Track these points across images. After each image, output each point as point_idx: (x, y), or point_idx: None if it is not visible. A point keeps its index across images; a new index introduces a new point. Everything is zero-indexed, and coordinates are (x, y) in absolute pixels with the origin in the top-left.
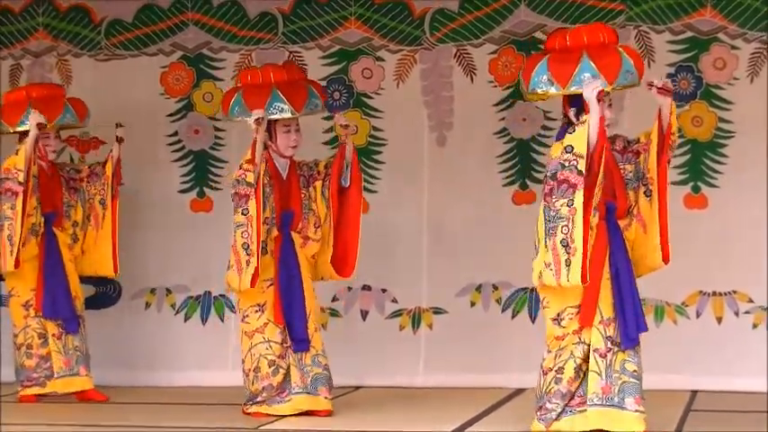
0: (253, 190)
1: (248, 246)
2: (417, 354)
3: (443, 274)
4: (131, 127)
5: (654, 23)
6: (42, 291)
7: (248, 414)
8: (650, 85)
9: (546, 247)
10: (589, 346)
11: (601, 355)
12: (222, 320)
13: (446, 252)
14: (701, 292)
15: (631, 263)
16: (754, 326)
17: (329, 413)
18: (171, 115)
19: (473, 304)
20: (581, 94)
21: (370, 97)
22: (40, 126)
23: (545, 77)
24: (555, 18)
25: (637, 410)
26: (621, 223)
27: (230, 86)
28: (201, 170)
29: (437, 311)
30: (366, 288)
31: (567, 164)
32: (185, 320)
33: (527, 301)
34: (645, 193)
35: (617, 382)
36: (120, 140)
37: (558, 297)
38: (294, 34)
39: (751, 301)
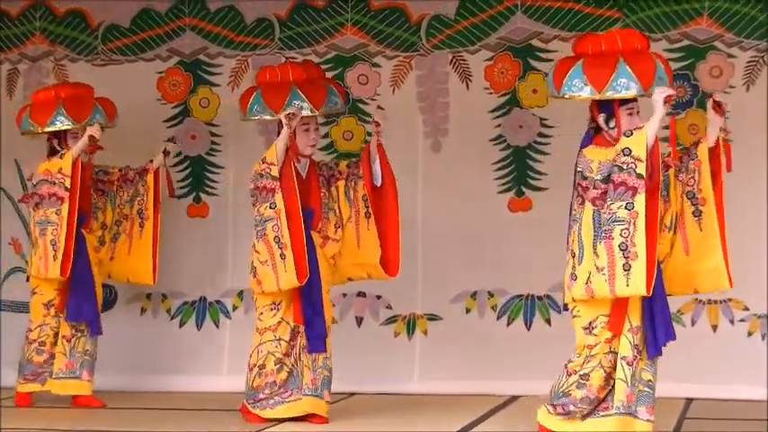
0: (278, 184)
1: (279, 239)
2: (412, 360)
3: (438, 281)
4: (128, 132)
5: (650, 32)
6: (69, 293)
7: (248, 413)
8: (709, 96)
9: (596, 252)
10: (616, 354)
11: (628, 363)
12: (217, 326)
13: (441, 258)
14: (696, 299)
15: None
16: (750, 334)
17: (325, 421)
18: (167, 120)
19: (468, 311)
20: (611, 100)
21: (366, 103)
22: (92, 139)
23: (579, 81)
24: (551, 25)
25: (648, 420)
26: None
27: (226, 92)
28: (198, 175)
29: (432, 318)
30: (361, 294)
31: (624, 166)
32: (180, 326)
33: (522, 308)
34: (693, 213)
35: (635, 391)
36: (166, 154)
37: (590, 306)
38: (291, 40)
39: (746, 309)
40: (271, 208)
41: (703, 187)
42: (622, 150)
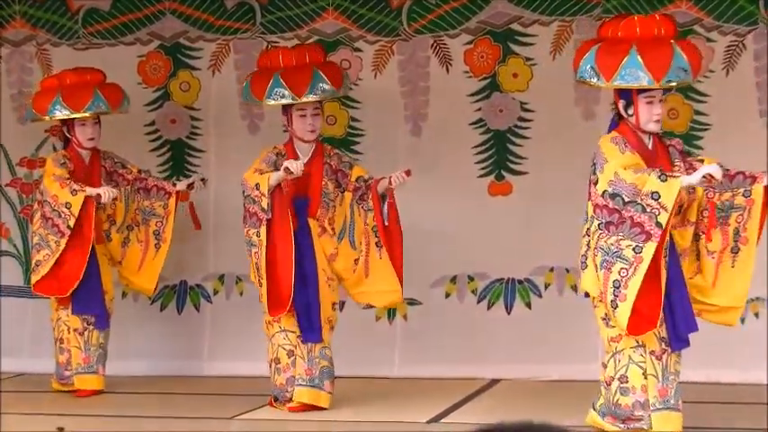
0: (265, 216)
1: (258, 268)
2: (393, 344)
3: (418, 265)
4: (108, 116)
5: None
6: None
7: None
8: None
9: (597, 273)
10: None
11: (657, 358)
12: (198, 310)
13: (421, 243)
14: None
15: (680, 262)
16: None
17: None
18: (148, 105)
19: (448, 295)
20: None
21: (349, 88)
22: (97, 198)
23: (590, 68)
24: (532, 9)
25: (680, 411)
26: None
27: (207, 76)
28: (178, 159)
29: (412, 303)
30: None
31: (648, 209)
32: (161, 310)
33: (503, 292)
34: (732, 249)
35: (672, 384)
36: (190, 188)
37: None
38: (272, 24)
39: None
40: (257, 236)
41: (749, 227)
42: (651, 194)
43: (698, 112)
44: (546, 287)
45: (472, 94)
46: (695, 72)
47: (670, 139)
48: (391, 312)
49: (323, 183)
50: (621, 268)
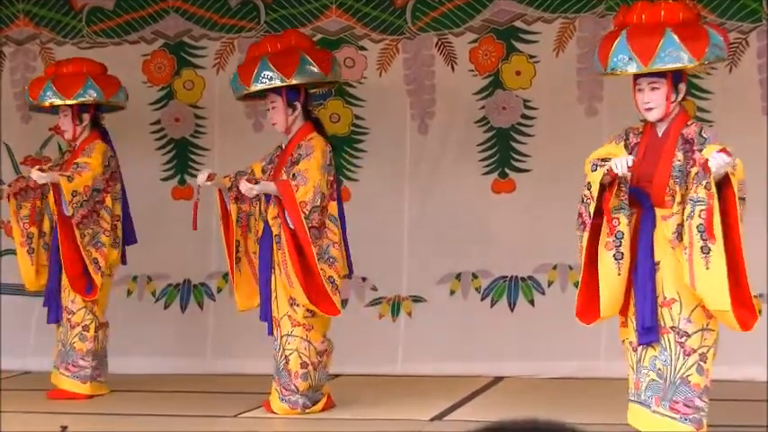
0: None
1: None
2: (396, 342)
3: (423, 263)
4: (114, 116)
5: None
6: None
7: None
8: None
9: None
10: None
11: (633, 349)
12: (201, 308)
13: (426, 240)
14: None
15: (654, 256)
16: None
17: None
18: (153, 104)
19: (452, 292)
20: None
21: (353, 86)
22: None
23: (595, 58)
24: (535, 7)
25: (654, 411)
26: (660, 212)
27: (211, 74)
28: (182, 158)
29: (416, 300)
30: (346, 276)
31: (584, 199)
32: (165, 308)
33: (506, 289)
34: (702, 249)
35: (645, 379)
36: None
37: None
38: (276, 23)
39: None
40: None
41: (715, 224)
42: (587, 184)
43: (701, 109)
44: (549, 284)
45: (477, 93)
46: (644, 58)
47: (688, 126)
48: (395, 309)
49: (279, 176)
50: (579, 256)
